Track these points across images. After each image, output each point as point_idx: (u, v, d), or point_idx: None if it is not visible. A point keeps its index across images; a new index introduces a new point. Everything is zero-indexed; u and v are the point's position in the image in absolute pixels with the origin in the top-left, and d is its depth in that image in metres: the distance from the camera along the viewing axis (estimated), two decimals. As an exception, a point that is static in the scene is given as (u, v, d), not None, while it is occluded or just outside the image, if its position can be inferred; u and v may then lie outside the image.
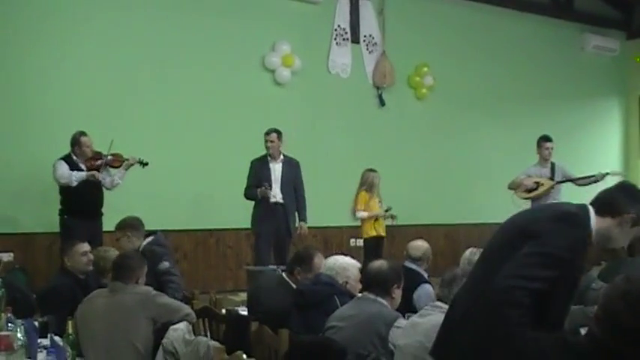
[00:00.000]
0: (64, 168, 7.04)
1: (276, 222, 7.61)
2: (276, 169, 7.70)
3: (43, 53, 7.99)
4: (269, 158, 7.70)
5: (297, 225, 7.82)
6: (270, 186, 7.56)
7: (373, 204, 8.36)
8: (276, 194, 7.62)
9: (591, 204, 2.81)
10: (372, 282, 3.86)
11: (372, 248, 8.25)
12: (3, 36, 7.83)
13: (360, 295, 4.00)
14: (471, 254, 4.88)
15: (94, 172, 7.04)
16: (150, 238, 5.55)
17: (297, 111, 9.54)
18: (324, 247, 9.36)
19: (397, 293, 3.85)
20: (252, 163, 7.73)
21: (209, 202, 8.72)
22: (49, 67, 8.02)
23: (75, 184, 7.01)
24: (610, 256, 9.49)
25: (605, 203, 2.79)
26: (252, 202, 7.73)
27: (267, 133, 7.67)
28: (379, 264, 3.92)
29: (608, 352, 2.17)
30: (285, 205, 7.66)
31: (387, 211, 8.34)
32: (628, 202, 2.77)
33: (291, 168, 7.77)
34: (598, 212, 2.78)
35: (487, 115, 11.08)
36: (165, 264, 5.22)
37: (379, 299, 3.77)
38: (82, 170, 7.14)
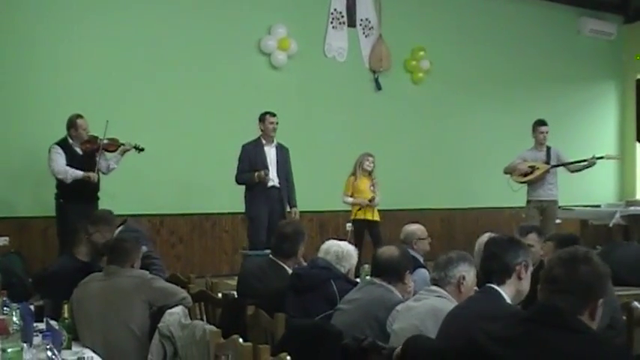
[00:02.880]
0: (60, 162, 7.00)
1: (271, 206, 7.60)
2: (271, 152, 7.69)
3: (40, 38, 7.97)
4: (263, 142, 7.67)
5: (288, 211, 7.77)
6: (268, 169, 7.54)
7: (362, 187, 8.32)
8: (273, 178, 7.62)
9: (488, 281, 3.12)
10: (383, 270, 3.80)
11: (359, 231, 8.30)
12: (1, 21, 7.79)
13: (368, 279, 4.01)
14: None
15: (90, 174, 7.00)
16: (120, 227, 5.50)
17: (293, 95, 9.52)
18: (320, 231, 9.40)
19: (409, 278, 3.84)
20: (244, 147, 7.65)
21: (205, 185, 8.72)
22: (44, 51, 8.00)
23: (70, 181, 6.99)
24: (605, 240, 9.57)
25: (495, 272, 3.11)
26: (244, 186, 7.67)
27: (273, 115, 7.66)
28: (390, 251, 3.85)
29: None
30: (281, 188, 7.67)
31: (370, 200, 8.30)
32: (511, 256, 3.11)
33: (283, 153, 7.78)
34: (499, 283, 3.09)
35: (483, 99, 11.07)
36: (144, 248, 5.18)
37: (389, 286, 3.76)
38: (78, 155, 7.12)
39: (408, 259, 3.88)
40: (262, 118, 7.69)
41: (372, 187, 8.32)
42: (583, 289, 2.33)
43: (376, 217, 8.36)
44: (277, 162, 7.67)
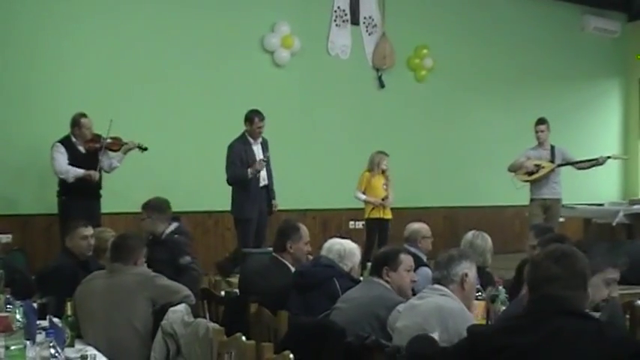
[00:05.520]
0: (62, 161, 7.02)
1: (260, 206, 7.50)
2: (259, 151, 7.54)
3: (43, 36, 7.97)
4: (251, 141, 7.51)
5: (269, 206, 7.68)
6: (258, 170, 7.42)
7: (377, 185, 8.33)
8: (264, 177, 7.52)
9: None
10: (372, 266, 3.97)
11: (372, 229, 8.30)
12: (4, 18, 7.79)
13: (368, 277, 4.05)
14: (474, 237, 4.90)
15: (91, 172, 7.01)
16: (173, 226, 5.34)
17: (296, 93, 9.51)
18: (322, 229, 9.38)
19: (392, 276, 3.81)
20: (233, 146, 7.45)
21: (208, 183, 8.69)
22: (48, 49, 8.00)
23: (72, 180, 7.01)
24: (608, 239, 9.55)
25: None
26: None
27: (262, 118, 7.44)
28: (385, 248, 4.07)
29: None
30: (268, 187, 7.59)
31: (383, 199, 8.30)
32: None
33: (266, 148, 7.61)
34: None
35: (487, 97, 11.05)
36: (187, 258, 5.07)
37: (382, 282, 3.79)
38: (80, 153, 7.13)
39: (391, 257, 3.87)
40: (250, 119, 7.47)
41: (385, 186, 8.33)
42: (582, 283, 2.40)
43: (389, 216, 8.37)
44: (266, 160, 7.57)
